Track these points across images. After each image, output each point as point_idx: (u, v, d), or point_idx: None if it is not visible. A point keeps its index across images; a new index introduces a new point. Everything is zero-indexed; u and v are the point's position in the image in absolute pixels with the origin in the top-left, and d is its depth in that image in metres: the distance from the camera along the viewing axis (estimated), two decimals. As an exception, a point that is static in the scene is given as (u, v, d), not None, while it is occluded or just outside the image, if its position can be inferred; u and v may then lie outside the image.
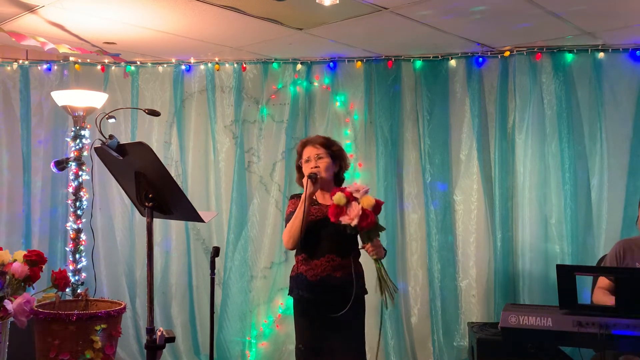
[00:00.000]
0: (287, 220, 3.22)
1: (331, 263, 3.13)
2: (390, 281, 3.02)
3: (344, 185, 3.24)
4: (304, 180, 3.12)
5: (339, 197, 2.93)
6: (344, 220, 2.92)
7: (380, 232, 3.04)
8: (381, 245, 3.04)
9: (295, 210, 3.15)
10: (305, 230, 3.11)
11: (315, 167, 3.17)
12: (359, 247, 3.12)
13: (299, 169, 3.32)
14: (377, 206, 2.95)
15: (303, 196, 3.09)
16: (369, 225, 2.94)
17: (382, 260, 3.06)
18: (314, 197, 3.24)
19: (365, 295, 3.27)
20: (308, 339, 3.17)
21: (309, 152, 3.23)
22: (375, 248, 3.00)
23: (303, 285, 3.18)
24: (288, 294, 3.31)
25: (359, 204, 2.92)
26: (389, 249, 4.79)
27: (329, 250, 3.13)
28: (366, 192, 2.97)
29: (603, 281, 3.45)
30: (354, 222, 2.90)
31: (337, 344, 3.11)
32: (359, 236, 3.05)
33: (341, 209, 2.93)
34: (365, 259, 3.20)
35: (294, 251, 3.27)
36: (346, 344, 3.11)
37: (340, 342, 3.10)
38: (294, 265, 3.27)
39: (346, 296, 3.08)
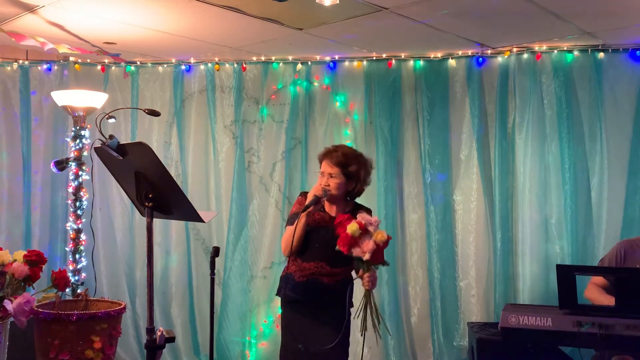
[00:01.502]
0: (290, 219, 3.22)
1: (320, 270, 3.14)
2: (378, 313, 2.96)
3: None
4: (309, 194, 3.12)
5: (354, 229, 2.83)
6: (356, 252, 2.85)
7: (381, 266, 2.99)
8: (376, 277, 2.99)
9: (297, 212, 3.14)
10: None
11: (327, 185, 3.14)
12: (354, 275, 3.08)
13: None
14: (387, 241, 2.89)
15: (303, 212, 3.08)
16: (378, 261, 2.89)
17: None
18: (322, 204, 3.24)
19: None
20: (295, 339, 3.17)
21: (325, 167, 3.18)
22: (372, 279, 2.93)
23: (290, 285, 3.19)
24: (276, 294, 3.31)
25: (371, 237, 2.85)
26: (389, 249, 4.79)
27: (320, 257, 3.13)
28: (378, 225, 2.90)
29: (597, 277, 3.45)
30: (367, 257, 2.83)
31: (321, 344, 3.09)
32: (356, 262, 2.97)
33: (355, 241, 2.84)
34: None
35: None
36: (330, 346, 3.09)
37: (324, 343, 3.09)
38: (285, 266, 3.28)
39: (331, 300, 3.11)
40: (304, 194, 3.26)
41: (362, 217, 2.89)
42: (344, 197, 3.24)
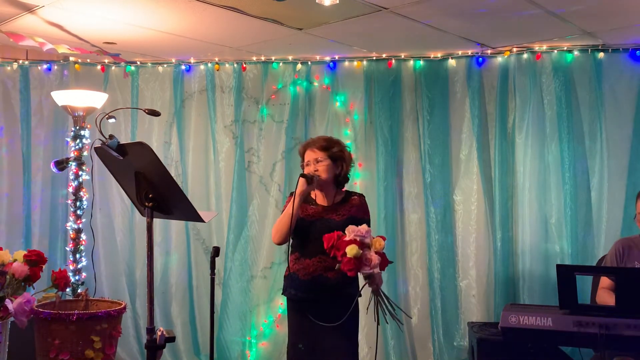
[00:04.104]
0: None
1: (322, 264, 3.12)
2: (390, 303, 2.97)
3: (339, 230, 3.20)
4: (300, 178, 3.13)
5: (354, 251, 2.77)
6: (365, 271, 2.82)
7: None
8: (381, 277, 2.98)
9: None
10: (300, 229, 3.15)
11: (315, 170, 3.17)
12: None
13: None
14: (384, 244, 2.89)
15: (295, 193, 3.11)
16: (385, 266, 2.88)
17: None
18: (313, 197, 3.25)
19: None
20: (301, 337, 3.17)
21: (309, 156, 3.23)
22: (378, 282, 2.93)
23: (295, 284, 3.19)
24: (282, 294, 3.31)
25: (370, 248, 2.83)
26: (389, 249, 4.80)
27: (322, 250, 3.09)
28: (370, 233, 2.86)
29: (605, 281, 3.44)
30: (377, 271, 2.81)
31: (330, 343, 3.10)
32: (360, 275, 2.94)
33: (359, 261, 2.80)
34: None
35: (290, 250, 3.26)
36: (339, 343, 3.10)
37: (333, 341, 3.10)
38: (287, 265, 3.28)
39: (338, 296, 3.10)
40: (293, 194, 3.26)
41: (350, 231, 2.86)
42: (333, 184, 3.26)
